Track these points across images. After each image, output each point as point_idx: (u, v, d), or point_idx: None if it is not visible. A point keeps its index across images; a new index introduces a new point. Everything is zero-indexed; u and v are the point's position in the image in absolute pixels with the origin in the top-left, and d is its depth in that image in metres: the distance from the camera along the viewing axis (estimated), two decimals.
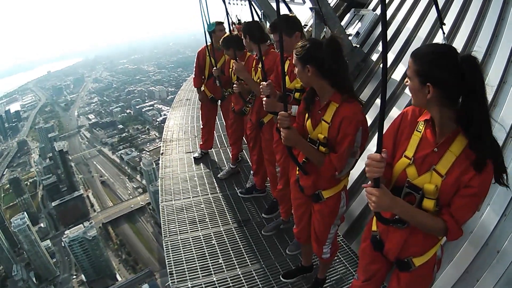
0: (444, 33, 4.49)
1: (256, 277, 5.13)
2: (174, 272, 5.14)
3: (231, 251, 5.61)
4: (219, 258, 5.45)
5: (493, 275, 4.08)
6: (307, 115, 3.71)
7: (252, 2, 5.11)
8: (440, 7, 7.68)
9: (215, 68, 6.85)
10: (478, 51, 6.22)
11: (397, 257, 2.89)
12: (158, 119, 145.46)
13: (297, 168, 3.99)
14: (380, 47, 8.39)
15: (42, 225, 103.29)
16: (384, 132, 2.49)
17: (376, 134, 2.35)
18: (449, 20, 7.35)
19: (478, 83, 2.22)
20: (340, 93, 3.39)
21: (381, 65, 7.55)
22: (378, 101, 7.09)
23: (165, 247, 5.68)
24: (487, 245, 4.36)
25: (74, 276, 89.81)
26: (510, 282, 3.92)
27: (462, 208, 2.41)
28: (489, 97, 5.25)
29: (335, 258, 5.34)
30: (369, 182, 2.44)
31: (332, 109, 3.40)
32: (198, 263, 5.33)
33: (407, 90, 6.77)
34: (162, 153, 9.03)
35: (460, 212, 2.42)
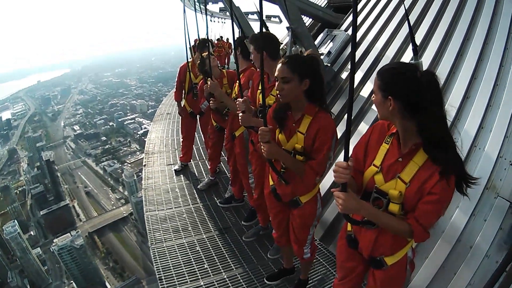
0: (416, 57, 4.61)
1: (241, 280, 5.13)
2: (163, 277, 5.10)
3: (215, 257, 5.60)
4: (205, 264, 5.43)
5: (469, 268, 4.25)
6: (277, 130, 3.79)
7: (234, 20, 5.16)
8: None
9: (206, 84, 6.82)
10: (444, 68, 6.43)
11: (370, 255, 2.97)
12: (139, 132, 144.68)
13: (271, 179, 4.09)
14: (349, 66, 8.49)
15: (32, 233, 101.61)
16: (356, 143, 2.76)
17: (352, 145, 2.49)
18: (417, 38, 7.48)
19: (435, 96, 2.35)
20: (315, 106, 3.53)
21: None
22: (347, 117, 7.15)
23: (152, 254, 5.65)
24: (459, 241, 4.53)
25: (66, 284, 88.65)
26: (486, 274, 4.05)
27: (425, 213, 2.50)
28: (454, 111, 5.42)
29: (316, 260, 5.43)
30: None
31: (307, 121, 3.52)
32: (185, 268, 5.30)
33: (374, 106, 6.90)
34: (145, 165, 8.96)
35: (424, 217, 2.51)
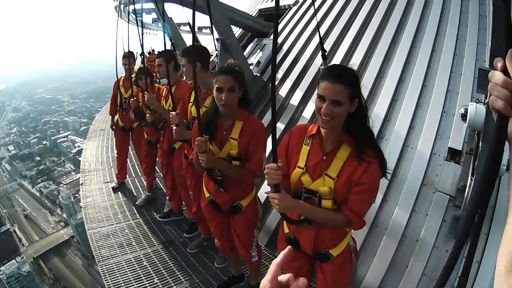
0: (325, 63, 4.76)
1: None
2: None
3: (163, 271, 5.48)
4: (154, 278, 5.29)
5: (420, 260, 4.39)
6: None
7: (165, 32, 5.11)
8: (338, 33, 8.00)
9: (133, 99, 6.76)
10: (371, 72, 6.58)
11: (314, 251, 3.03)
12: (72, 151, 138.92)
13: (206, 191, 4.10)
14: (279, 75, 8.61)
15: None
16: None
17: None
18: (345, 44, 7.70)
19: None
20: (244, 111, 3.73)
21: (279, 92, 7.73)
22: (278, 124, 7.27)
23: (101, 271, 5.49)
24: (405, 236, 4.65)
25: None
26: (438, 264, 4.26)
27: (358, 202, 2.67)
28: (383, 113, 5.53)
29: (265, 266, 5.31)
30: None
31: (238, 126, 3.65)
32: (136, 284, 5.17)
33: (305, 114, 7.07)
34: (82, 184, 8.74)
35: (357, 206, 2.67)
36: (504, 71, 1.01)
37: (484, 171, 1.01)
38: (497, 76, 1.03)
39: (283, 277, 1.04)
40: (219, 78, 3.51)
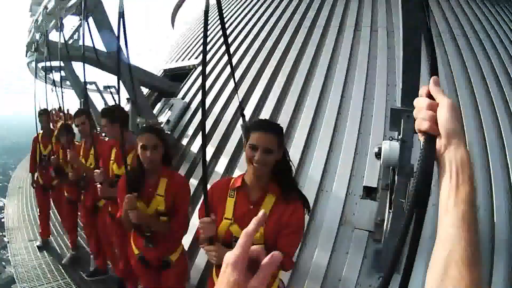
0: (244, 120, 4.91)
1: None
2: None
3: None
4: None
5: None
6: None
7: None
8: (248, 85, 8.10)
9: (54, 156, 6.70)
10: (282, 121, 6.67)
11: None
12: None
13: (134, 248, 4.04)
14: (189, 132, 8.67)
15: None
16: (199, 206, 2.99)
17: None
18: (254, 96, 7.81)
19: None
20: (168, 167, 3.85)
21: (191, 148, 7.88)
22: (192, 180, 7.25)
23: None
24: (327, 277, 4.70)
25: None
26: None
27: (287, 244, 2.76)
28: (296, 161, 5.71)
29: None
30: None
31: (163, 183, 3.70)
32: None
33: (217, 169, 7.06)
34: (9, 241, 8.46)
35: (287, 247, 2.74)
36: (428, 96, 1.14)
37: (415, 193, 1.06)
38: (421, 101, 1.14)
39: (253, 249, 0.96)
40: (143, 136, 3.58)
